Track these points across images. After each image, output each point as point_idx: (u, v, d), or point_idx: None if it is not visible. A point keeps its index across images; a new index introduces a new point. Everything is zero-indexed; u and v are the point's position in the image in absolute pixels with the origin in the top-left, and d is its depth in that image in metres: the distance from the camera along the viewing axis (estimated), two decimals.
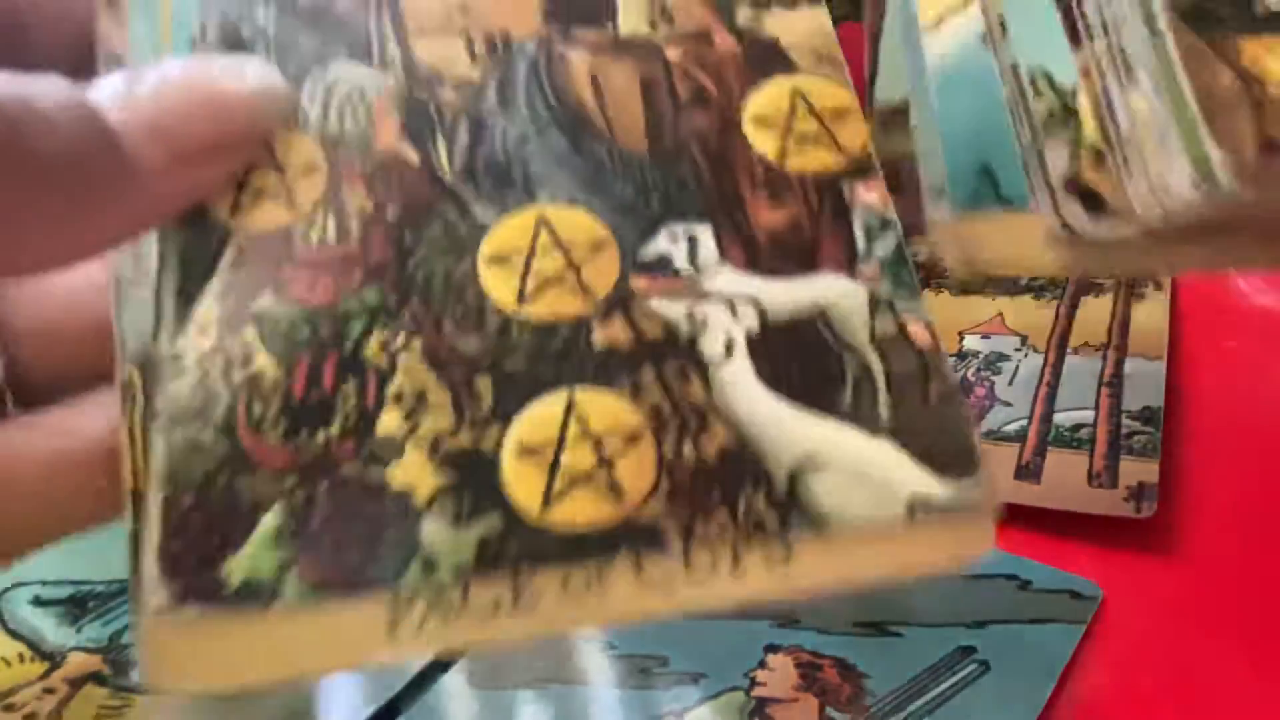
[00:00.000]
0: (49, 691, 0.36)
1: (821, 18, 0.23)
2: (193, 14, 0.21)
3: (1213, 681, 0.34)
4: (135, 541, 0.17)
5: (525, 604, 0.17)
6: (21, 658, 0.36)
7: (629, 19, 0.23)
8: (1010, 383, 0.47)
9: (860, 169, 0.21)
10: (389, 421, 0.18)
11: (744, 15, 0.23)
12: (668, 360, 0.19)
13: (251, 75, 0.20)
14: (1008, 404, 0.46)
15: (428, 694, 0.34)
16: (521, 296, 0.20)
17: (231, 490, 0.18)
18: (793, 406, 0.19)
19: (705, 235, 0.21)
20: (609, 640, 0.34)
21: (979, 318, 0.53)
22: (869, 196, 0.21)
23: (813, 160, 0.21)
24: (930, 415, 0.19)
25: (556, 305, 0.20)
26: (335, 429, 0.18)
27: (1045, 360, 0.48)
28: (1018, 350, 0.49)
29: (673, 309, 0.20)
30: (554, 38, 0.22)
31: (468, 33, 0.22)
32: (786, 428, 0.19)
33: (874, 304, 0.20)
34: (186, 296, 0.19)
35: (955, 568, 0.18)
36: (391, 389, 0.19)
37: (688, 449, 0.19)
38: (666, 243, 0.20)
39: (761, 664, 0.35)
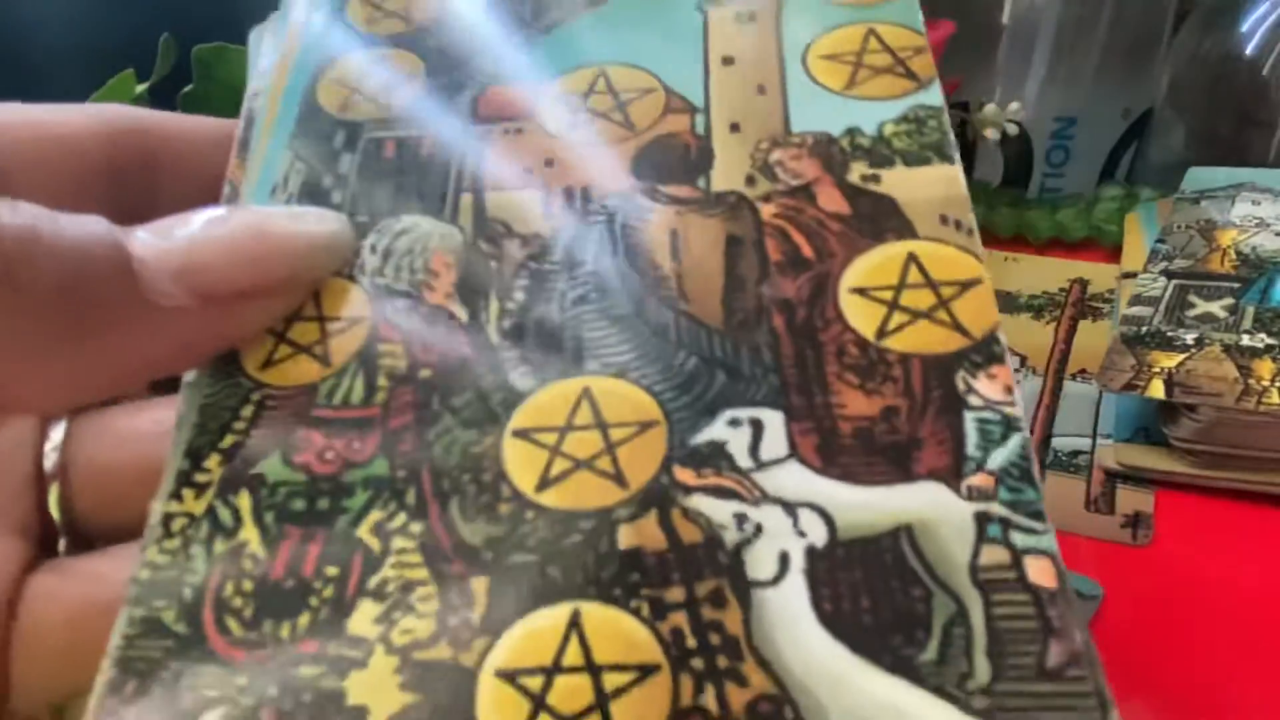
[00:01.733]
0: None
1: (954, 175, 0.19)
2: (279, 160, 0.21)
3: (1213, 681, 0.34)
4: None
5: None
6: None
7: (725, 174, 0.20)
8: None
9: (982, 353, 0.18)
10: (362, 619, 0.16)
11: (859, 172, 0.20)
12: (703, 576, 0.16)
13: (308, 223, 0.20)
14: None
15: None
16: (544, 479, 0.17)
17: (177, 684, 0.16)
18: (855, 656, 0.15)
19: (774, 422, 0.17)
20: None
21: None
22: (990, 388, 0.17)
23: (922, 339, 0.18)
24: (1043, 693, 0.14)
25: (582, 492, 0.17)
26: (303, 621, 0.16)
27: (1044, 384, 0.49)
28: (1016, 371, 0.50)
29: (719, 510, 0.16)
30: (638, 192, 0.20)
31: (548, 187, 0.20)
32: (843, 685, 0.14)
33: (981, 526, 0.16)
34: (194, 455, 0.18)
35: None
36: (374, 579, 0.16)
37: (709, 696, 0.15)
38: (725, 428, 0.17)
39: None
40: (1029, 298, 0.56)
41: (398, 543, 0.17)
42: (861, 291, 0.18)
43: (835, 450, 0.17)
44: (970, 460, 0.16)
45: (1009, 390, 0.17)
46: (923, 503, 0.16)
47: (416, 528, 0.17)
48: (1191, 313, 0.45)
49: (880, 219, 0.19)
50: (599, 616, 0.16)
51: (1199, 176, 0.55)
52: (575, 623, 0.15)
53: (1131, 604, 0.37)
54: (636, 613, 0.15)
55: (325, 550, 0.17)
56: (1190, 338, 0.43)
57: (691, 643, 0.15)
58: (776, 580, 0.16)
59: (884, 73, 0.21)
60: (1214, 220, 0.51)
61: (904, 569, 0.15)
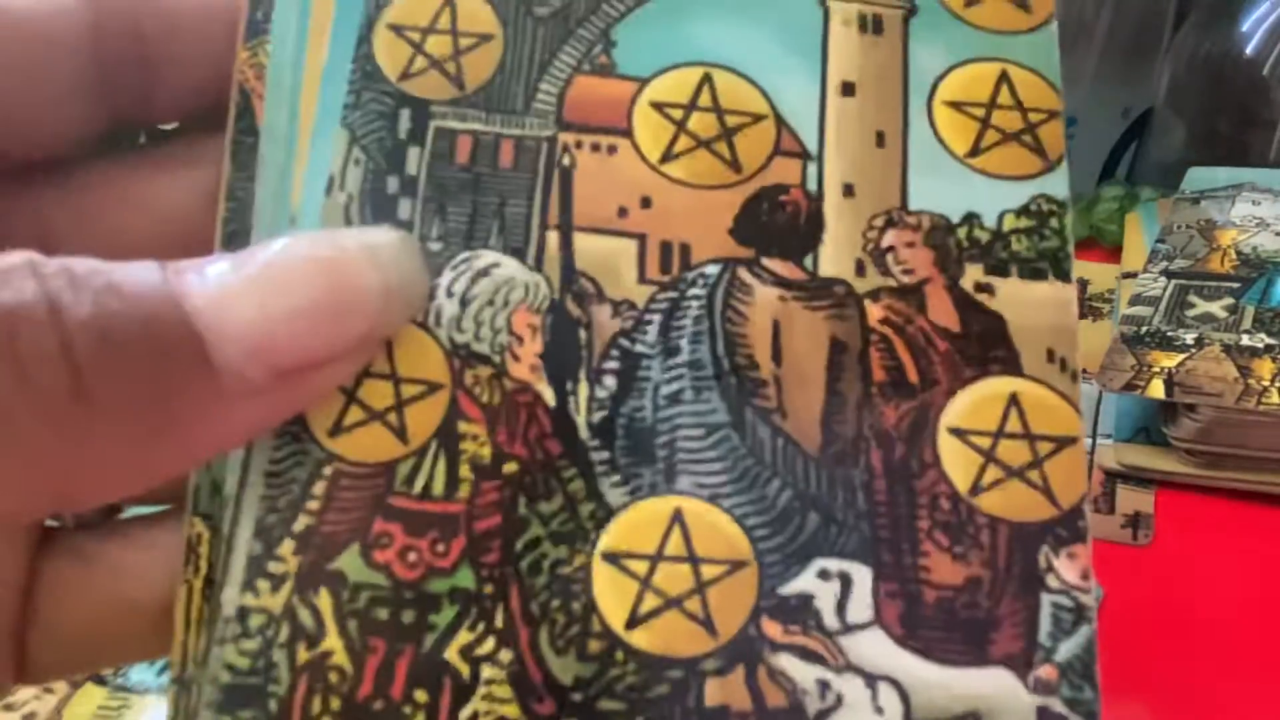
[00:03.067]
0: (49, 691, 0.36)
1: (1068, 298, 0.18)
2: (333, 141, 0.18)
3: (1212, 680, 0.34)
4: None
5: None
6: None
7: (835, 254, 0.18)
8: None
9: (1067, 528, 0.17)
10: None
11: (972, 276, 0.18)
12: None
13: (385, 264, 0.16)
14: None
15: None
16: (635, 617, 0.16)
17: None
18: None
19: (862, 579, 0.16)
20: None
21: None
22: (1069, 570, 0.17)
23: (1013, 502, 0.17)
24: None
25: (673, 637, 0.16)
26: None
27: None
28: None
29: (804, 674, 0.16)
30: (741, 264, 0.18)
31: (644, 236, 0.18)
32: None
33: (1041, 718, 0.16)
34: (264, 535, 0.16)
35: None
36: (466, 711, 0.16)
37: None
38: (814, 580, 0.16)
39: None
40: None
41: (487, 671, 0.16)
42: (961, 434, 0.17)
43: (918, 621, 0.16)
44: (1041, 649, 0.16)
45: (1086, 576, 0.17)
46: (993, 690, 0.16)
47: (506, 656, 0.16)
48: (1191, 313, 0.45)
49: (989, 344, 0.18)
50: None
51: (1199, 176, 0.55)
52: None
53: (1131, 604, 0.37)
54: None
55: (413, 671, 0.16)
56: (1190, 338, 0.43)
57: None
58: None
59: (1012, 140, 0.19)
60: (1214, 220, 0.51)
61: None
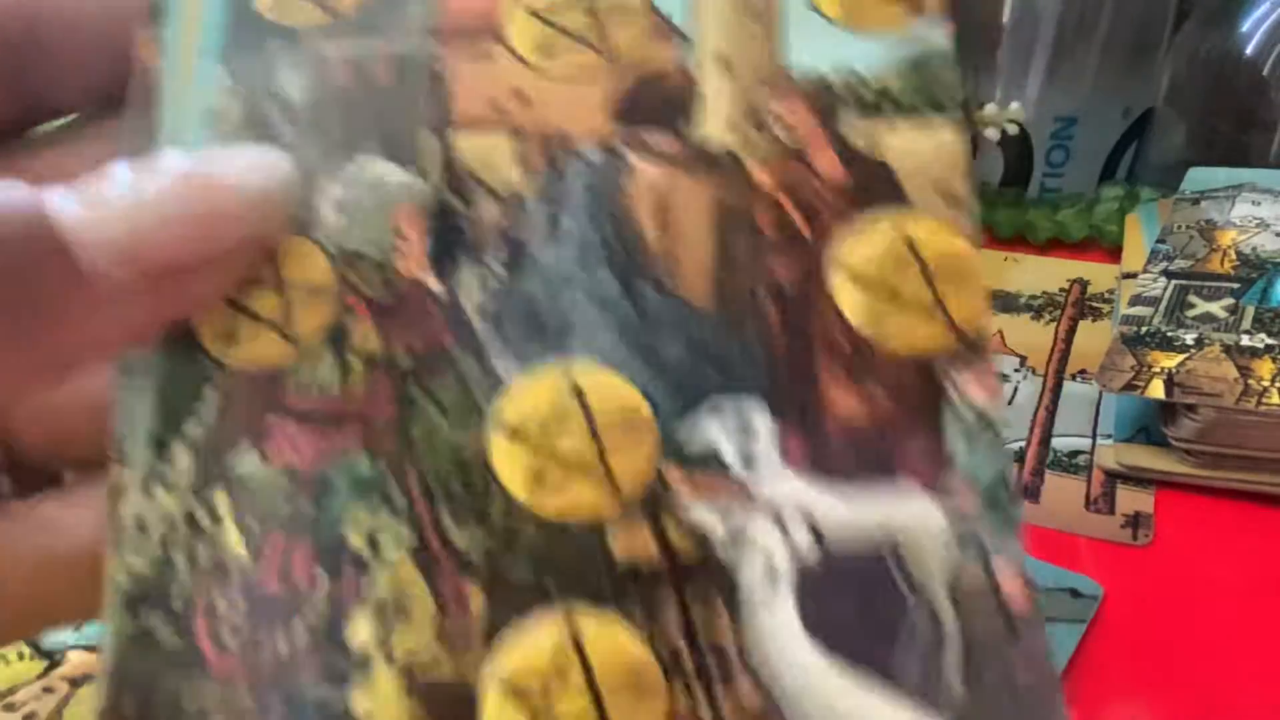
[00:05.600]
0: (48, 690, 0.36)
1: (952, 137, 0.18)
2: (213, 81, 0.18)
3: (1213, 681, 0.34)
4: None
5: None
6: (21, 656, 0.36)
7: (715, 124, 0.18)
8: (1010, 403, 0.48)
9: (970, 352, 0.17)
10: (360, 630, 0.16)
11: (852, 126, 0.18)
12: (696, 589, 0.16)
13: (259, 172, 0.17)
14: (1007, 424, 0.46)
15: None
16: (536, 484, 0.16)
17: (178, 701, 0.15)
18: (840, 671, 0.15)
19: (764, 423, 0.17)
20: None
21: None
22: (976, 392, 0.17)
23: (913, 335, 0.17)
24: (1013, 708, 0.15)
25: (575, 499, 0.16)
26: (300, 632, 0.16)
27: (1044, 384, 0.49)
28: (1016, 371, 0.50)
29: (711, 520, 0.16)
30: (620, 144, 0.18)
31: (522, 130, 0.18)
32: (829, 699, 0.15)
33: (961, 540, 0.16)
34: (159, 444, 0.17)
35: None
36: (370, 588, 0.16)
37: (703, 708, 0.15)
38: (715, 429, 0.17)
39: None
40: (1029, 298, 0.56)
41: (390, 551, 0.16)
42: (855, 277, 0.17)
43: (824, 457, 0.16)
44: (954, 472, 0.16)
45: (993, 395, 0.17)
46: (908, 517, 0.16)
47: (407, 534, 0.16)
48: (1191, 313, 0.45)
49: (877, 191, 0.18)
50: (596, 627, 0.16)
51: (1199, 176, 0.55)
52: (573, 633, 0.16)
53: (1131, 604, 0.37)
54: (631, 623, 0.16)
55: (314, 557, 0.16)
56: (1190, 338, 0.43)
57: (686, 654, 0.15)
58: (767, 594, 0.16)
59: None
60: (1214, 220, 0.51)
61: (888, 583, 0.16)
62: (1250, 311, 0.45)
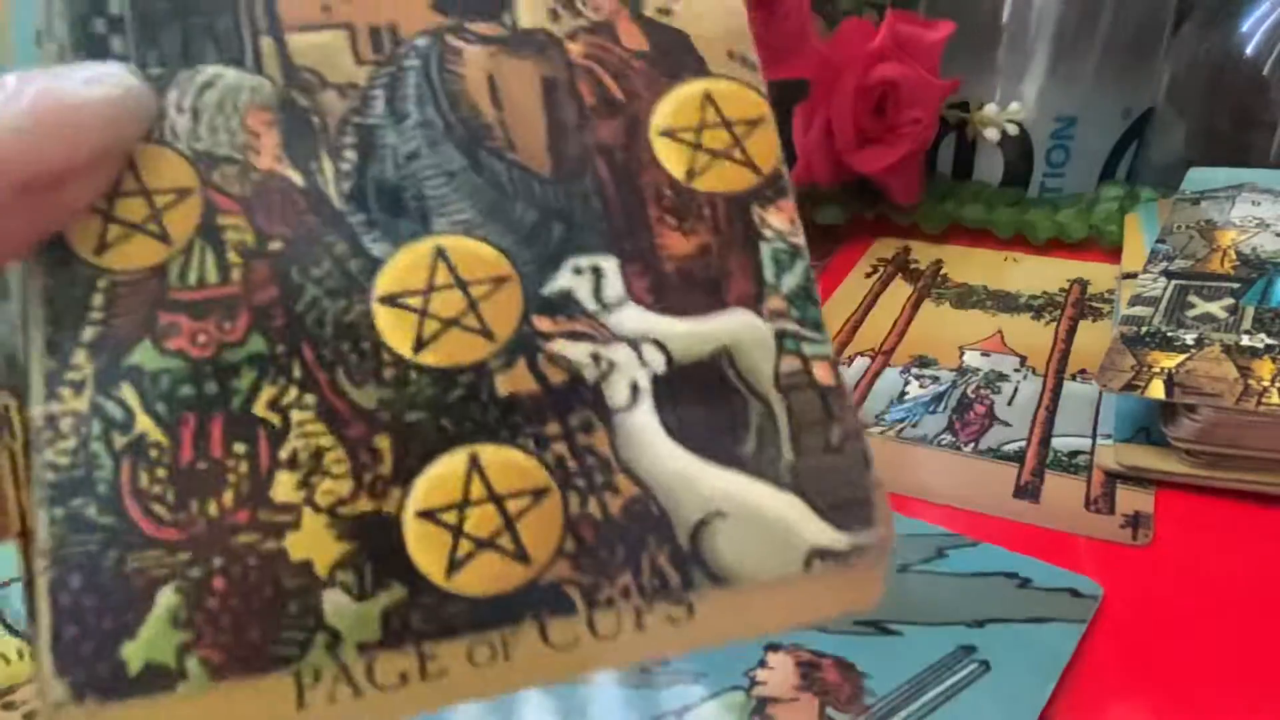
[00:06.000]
0: None
1: (734, 5, 0.21)
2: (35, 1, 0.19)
3: (1213, 681, 0.34)
4: (32, 615, 0.17)
5: (433, 675, 0.17)
6: (21, 654, 0.36)
7: (529, 10, 0.20)
8: (1010, 403, 0.48)
9: (771, 188, 0.20)
10: (284, 486, 0.17)
11: (653, 4, 0.21)
12: (573, 410, 0.18)
13: (104, 83, 0.18)
14: (1007, 424, 0.46)
15: None
16: (420, 341, 0.18)
17: (122, 568, 0.17)
18: (697, 456, 0.18)
19: (610, 267, 0.19)
20: None
21: (979, 333, 0.53)
22: (779, 221, 0.20)
23: (723, 179, 0.20)
24: (830, 462, 0.18)
25: (457, 350, 0.18)
26: (228, 497, 0.17)
27: (1044, 384, 0.49)
28: (1017, 371, 0.50)
29: (577, 352, 0.19)
30: (446, 32, 0.20)
31: (351, 25, 0.20)
32: (690, 481, 0.18)
33: (780, 342, 0.19)
34: (56, 350, 0.17)
35: (845, 615, 0.19)
36: (285, 450, 0.18)
37: (593, 506, 0.18)
38: (570, 277, 0.19)
39: (761, 663, 0.35)
40: (1029, 298, 0.56)
41: (297, 415, 0.18)
42: (669, 134, 0.20)
43: (663, 288, 0.19)
44: (768, 286, 0.19)
45: (793, 222, 0.20)
46: (736, 327, 0.19)
47: (310, 399, 0.18)
48: (1191, 313, 0.45)
49: (677, 56, 0.20)
50: (493, 455, 0.18)
51: (1199, 176, 0.55)
52: (474, 463, 0.18)
53: (1131, 604, 0.37)
54: (523, 448, 0.18)
55: (228, 430, 0.18)
56: (1190, 338, 0.43)
57: (572, 465, 0.18)
58: (630, 405, 0.18)
59: None
60: (1214, 220, 0.51)
61: (726, 383, 0.19)
62: (1250, 312, 0.44)
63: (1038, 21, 0.60)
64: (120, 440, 0.17)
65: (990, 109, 0.60)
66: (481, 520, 0.18)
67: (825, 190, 0.62)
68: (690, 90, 0.20)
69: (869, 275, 0.60)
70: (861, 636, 0.35)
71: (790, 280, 0.19)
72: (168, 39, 0.19)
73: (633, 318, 0.19)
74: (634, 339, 0.19)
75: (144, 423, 0.17)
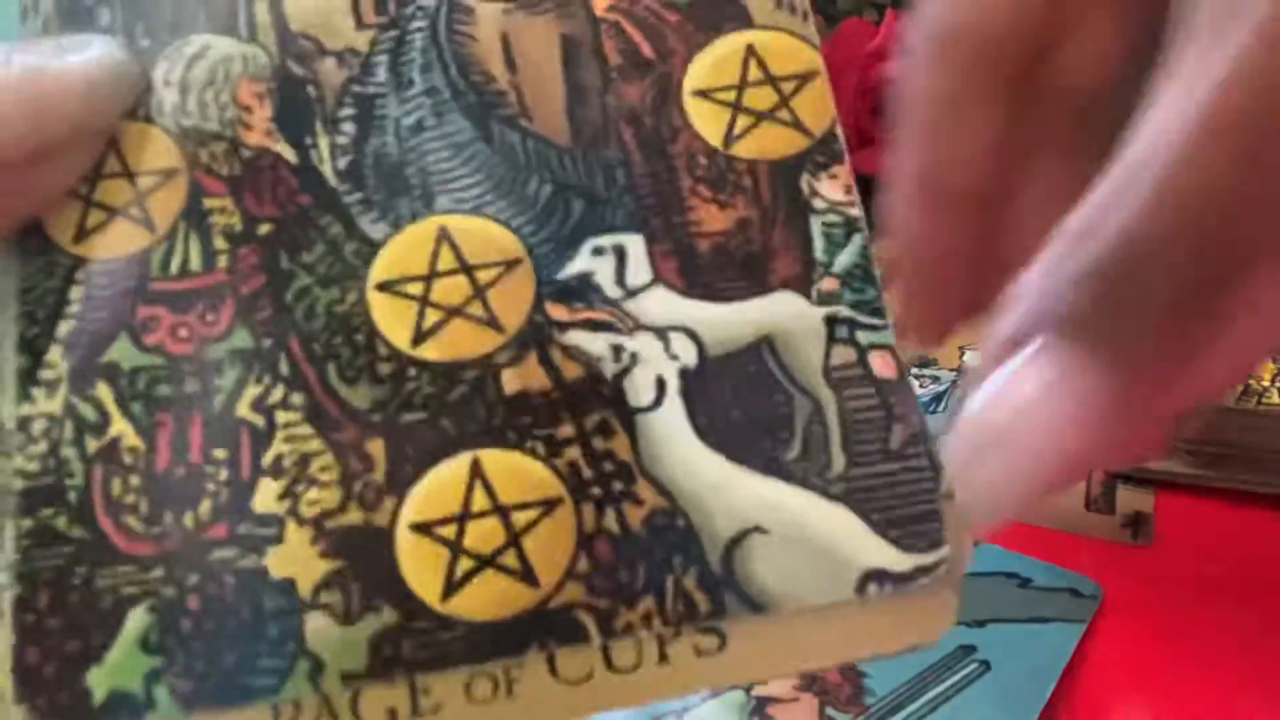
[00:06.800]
0: None
1: None
2: None
3: (1213, 681, 0.34)
4: None
5: (425, 712, 0.15)
6: None
7: None
8: None
9: (824, 152, 0.18)
10: (266, 496, 0.16)
11: None
12: (589, 410, 0.16)
13: (86, 57, 0.17)
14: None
15: None
16: (420, 333, 0.17)
17: (91, 585, 0.15)
18: (732, 463, 0.16)
19: (636, 247, 0.17)
20: None
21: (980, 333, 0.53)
22: (832, 189, 0.17)
23: (766, 143, 0.18)
24: (890, 470, 0.16)
25: (460, 342, 0.17)
26: (205, 507, 0.16)
27: None
28: None
29: (595, 344, 0.17)
30: None
31: None
32: (723, 490, 0.16)
33: (831, 328, 0.17)
34: (31, 348, 0.16)
35: (911, 650, 0.16)
36: (269, 456, 0.16)
37: (610, 519, 0.16)
38: (590, 259, 0.17)
39: None
40: None
41: (282, 417, 0.16)
42: (705, 94, 0.18)
43: (696, 270, 0.17)
44: (818, 265, 0.17)
45: (849, 190, 0.18)
46: (779, 312, 0.17)
47: (298, 399, 0.16)
48: None
49: (716, 6, 0.18)
50: (498, 460, 0.16)
51: None
52: (476, 469, 0.16)
53: (1131, 604, 0.37)
54: (532, 452, 0.16)
55: (208, 434, 0.16)
56: None
57: (587, 473, 0.16)
58: (656, 404, 0.16)
59: None
60: None
61: (767, 377, 0.16)
62: None
63: None
64: (93, 445, 0.16)
65: None
66: (484, 535, 0.16)
67: None
68: (730, 44, 0.18)
69: None
70: None
71: (845, 258, 0.17)
72: (156, 9, 0.18)
73: (660, 303, 0.17)
74: (661, 328, 0.17)
75: (119, 425, 0.16)
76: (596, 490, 0.16)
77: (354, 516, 0.16)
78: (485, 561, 0.16)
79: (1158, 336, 0.15)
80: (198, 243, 0.17)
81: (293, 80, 0.18)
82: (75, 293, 0.17)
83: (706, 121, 0.18)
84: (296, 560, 0.16)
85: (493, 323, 0.17)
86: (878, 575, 0.16)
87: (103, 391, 0.16)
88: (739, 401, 0.16)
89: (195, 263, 0.17)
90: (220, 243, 0.17)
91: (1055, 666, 0.34)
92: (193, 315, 0.17)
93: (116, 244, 0.17)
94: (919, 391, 0.49)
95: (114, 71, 0.17)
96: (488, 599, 0.15)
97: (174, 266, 0.17)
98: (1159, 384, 0.16)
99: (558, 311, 0.17)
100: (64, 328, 0.17)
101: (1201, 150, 0.14)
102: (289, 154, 0.18)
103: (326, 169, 0.17)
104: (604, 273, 0.17)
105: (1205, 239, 0.14)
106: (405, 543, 0.16)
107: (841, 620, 0.16)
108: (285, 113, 0.18)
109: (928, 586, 0.16)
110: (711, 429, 0.16)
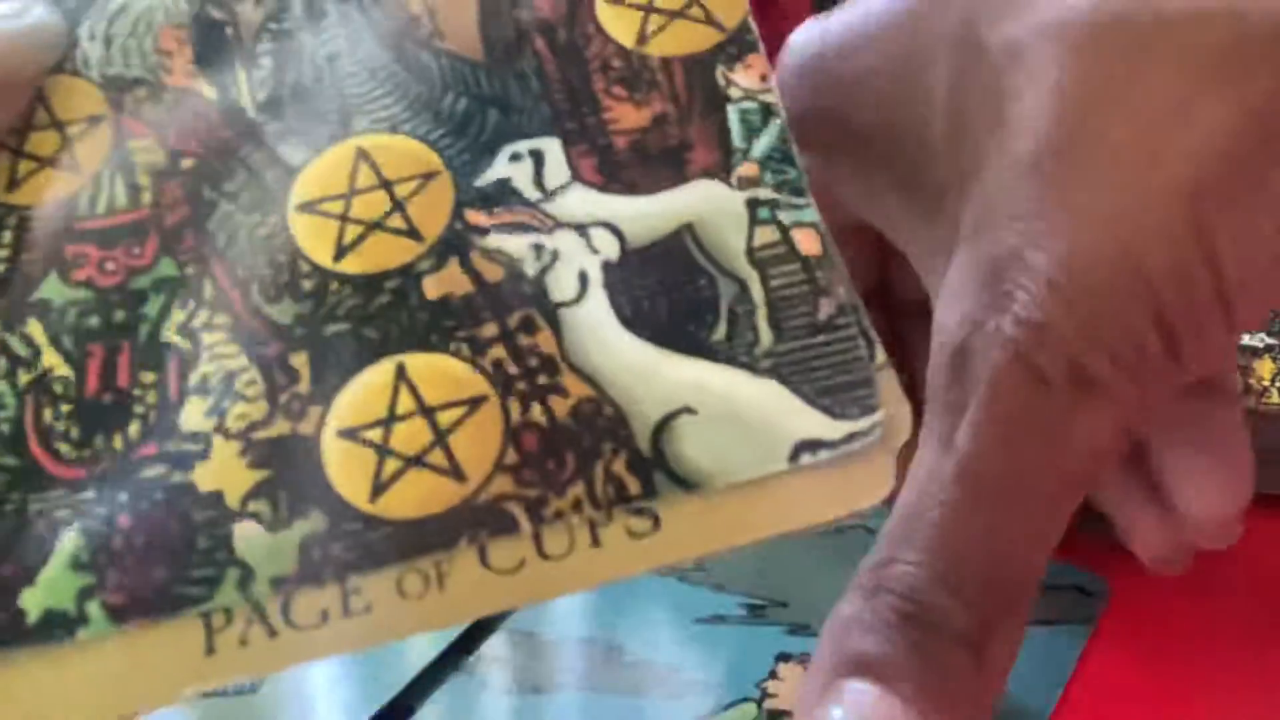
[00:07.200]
0: None
1: None
2: None
3: (1214, 681, 0.34)
4: None
5: (357, 611, 0.15)
6: None
7: None
8: None
9: (737, 44, 0.18)
10: (194, 414, 0.16)
11: None
12: (512, 308, 0.17)
13: (7, 18, 0.18)
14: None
15: (433, 698, 0.33)
16: (340, 248, 0.17)
17: (24, 511, 0.16)
18: (658, 348, 0.16)
19: (553, 150, 0.18)
20: (618, 646, 0.34)
21: None
22: (748, 78, 0.18)
23: (680, 40, 0.18)
24: (820, 342, 0.16)
25: (380, 254, 0.17)
26: (134, 429, 0.16)
27: None
28: None
29: (516, 245, 0.17)
30: None
31: None
32: (650, 375, 0.16)
33: (753, 210, 0.17)
34: None
35: (847, 516, 0.16)
36: (195, 376, 0.16)
37: (536, 411, 0.16)
38: (507, 165, 0.18)
39: (772, 674, 0.34)
40: None
41: (208, 338, 0.17)
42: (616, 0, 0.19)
43: (614, 166, 0.18)
44: (737, 152, 0.17)
45: (765, 78, 0.18)
46: (699, 200, 0.17)
47: (222, 319, 0.17)
48: None
49: None
50: (422, 364, 0.16)
51: None
52: (401, 374, 0.16)
53: (1131, 604, 0.37)
54: (456, 354, 0.16)
55: (135, 360, 0.17)
56: None
57: (512, 369, 0.16)
58: (579, 298, 0.17)
59: None
60: None
61: (690, 263, 0.17)
62: None
63: None
64: (25, 378, 0.17)
65: None
66: (410, 436, 0.16)
67: None
68: None
69: None
70: None
71: (763, 142, 0.18)
72: None
73: (580, 201, 0.17)
74: (582, 224, 0.17)
75: (50, 358, 0.17)
76: (522, 385, 0.16)
77: (281, 427, 0.16)
78: (412, 460, 0.16)
79: (955, 668, 0.16)
80: (122, 182, 0.18)
81: (211, 23, 0.19)
82: (6, 238, 0.17)
83: (618, 25, 0.18)
84: (224, 473, 0.16)
85: (412, 233, 0.17)
86: (810, 444, 0.16)
87: (33, 327, 0.17)
88: (663, 289, 0.17)
89: (121, 201, 0.18)
90: (144, 180, 0.18)
91: (1063, 669, 0.34)
92: (119, 250, 0.17)
93: (45, 190, 0.18)
94: None
95: (37, 29, 0.18)
96: (416, 497, 0.16)
97: (100, 206, 0.18)
98: (962, 701, 0.17)
99: (477, 218, 0.17)
100: None
101: (957, 512, 0.16)
102: (210, 92, 0.18)
103: (246, 102, 0.18)
104: (522, 177, 0.18)
105: (969, 586, 0.16)
106: (332, 449, 0.16)
107: (776, 492, 0.16)
108: (205, 54, 0.18)
109: (861, 453, 0.16)
110: (636, 317, 0.17)
